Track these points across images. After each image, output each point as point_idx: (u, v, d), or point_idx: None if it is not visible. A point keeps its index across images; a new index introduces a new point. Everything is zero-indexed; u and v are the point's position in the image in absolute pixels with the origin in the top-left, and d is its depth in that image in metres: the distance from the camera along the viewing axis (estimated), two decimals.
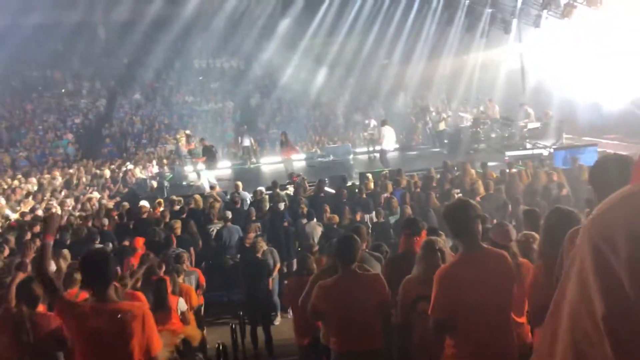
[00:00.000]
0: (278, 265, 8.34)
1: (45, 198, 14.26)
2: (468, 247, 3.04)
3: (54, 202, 13.53)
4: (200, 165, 16.43)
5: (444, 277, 3.03)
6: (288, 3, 25.72)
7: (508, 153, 15.62)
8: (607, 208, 0.70)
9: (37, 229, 9.74)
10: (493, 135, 18.93)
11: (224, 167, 19.99)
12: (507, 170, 12.19)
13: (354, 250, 3.89)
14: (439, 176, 12.43)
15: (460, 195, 11.04)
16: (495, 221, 9.15)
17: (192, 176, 18.23)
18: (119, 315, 3.03)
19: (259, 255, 7.59)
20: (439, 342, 3.13)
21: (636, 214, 0.66)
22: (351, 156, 19.77)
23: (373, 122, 20.13)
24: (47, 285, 3.17)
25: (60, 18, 28.91)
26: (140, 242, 8.20)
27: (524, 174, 12.12)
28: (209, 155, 15.93)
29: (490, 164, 13.20)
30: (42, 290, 3.94)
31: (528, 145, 16.56)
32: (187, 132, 19.18)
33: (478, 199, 9.60)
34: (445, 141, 19.44)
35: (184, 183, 17.12)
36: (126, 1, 29.22)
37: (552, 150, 14.68)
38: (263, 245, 7.80)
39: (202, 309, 7.49)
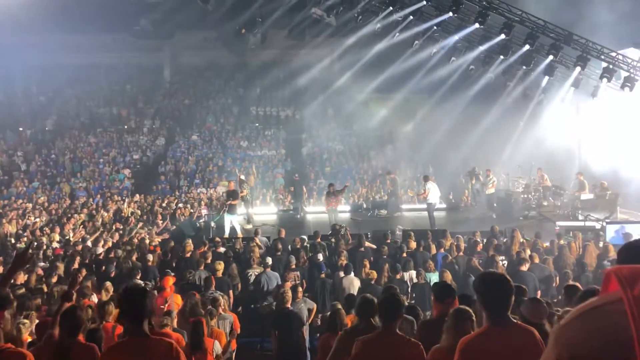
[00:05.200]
0: (314, 310, 8.32)
1: (95, 229, 14.82)
2: (496, 320, 2.93)
3: (105, 234, 14.03)
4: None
5: (467, 348, 2.94)
6: (345, 58, 26.37)
7: (559, 223, 15.17)
8: (573, 318, 0.75)
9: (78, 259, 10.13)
10: (545, 203, 18.49)
11: (270, 213, 20.27)
12: (556, 241, 11.87)
13: (398, 310, 3.89)
14: (484, 240, 12.20)
15: (505, 262, 10.81)
16: (539, 293, 9.06)
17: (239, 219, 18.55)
18: (152, 349, 3.09)
19: (288, 305, 7.36)
20: None
21: (597, 329, 0.70)
22: (397, 213, 19.63)
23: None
24: None
25: (130, 60, 30.85)
26: (169, 281, 8.35)
27: (573, 246, 11.76)
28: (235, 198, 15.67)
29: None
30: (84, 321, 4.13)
31: (580, 217, 16.03)
32: (242, 177, 18.42)
33: (524, 268, 9.35)
34: (495, 205, 19.11)
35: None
36: (192, 47, 30.98)
37: (604, 223, 14.16)
38: (293, 296, 7.63)
39: (234, 354, 7.50)
